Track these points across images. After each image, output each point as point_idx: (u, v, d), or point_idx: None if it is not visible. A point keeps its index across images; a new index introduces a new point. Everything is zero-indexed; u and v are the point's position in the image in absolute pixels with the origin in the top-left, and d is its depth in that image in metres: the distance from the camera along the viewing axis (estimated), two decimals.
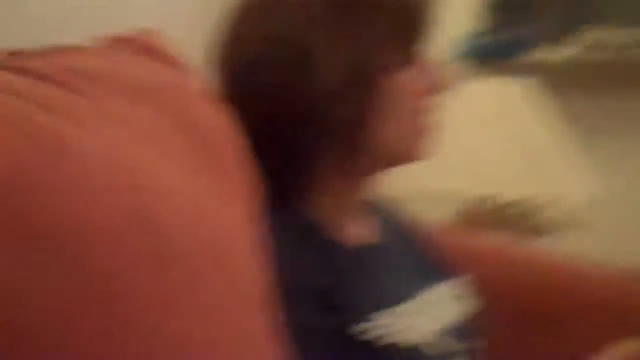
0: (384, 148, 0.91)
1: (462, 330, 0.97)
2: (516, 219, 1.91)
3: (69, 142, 0.51)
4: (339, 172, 0.91)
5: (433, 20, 0.93)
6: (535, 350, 1.19)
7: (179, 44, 0.82)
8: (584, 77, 2.92)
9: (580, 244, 1.70)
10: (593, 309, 1.19)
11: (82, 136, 0.53)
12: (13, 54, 0.65)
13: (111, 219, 0.49)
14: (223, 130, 0.71)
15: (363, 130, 0.89)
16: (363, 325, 0.84)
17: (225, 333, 0.56)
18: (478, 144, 1.75)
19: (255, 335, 0.60)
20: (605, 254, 1.32)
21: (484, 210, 1.82)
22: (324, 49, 0.86)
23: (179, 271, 0.54)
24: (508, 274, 1.22)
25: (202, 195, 0.60)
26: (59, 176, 0.47)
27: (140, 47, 0.78)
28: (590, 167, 1.83)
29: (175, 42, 0.82)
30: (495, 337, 1.05)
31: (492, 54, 2.85)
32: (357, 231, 0.95)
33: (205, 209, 0.59)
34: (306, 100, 0.86)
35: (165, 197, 0.55)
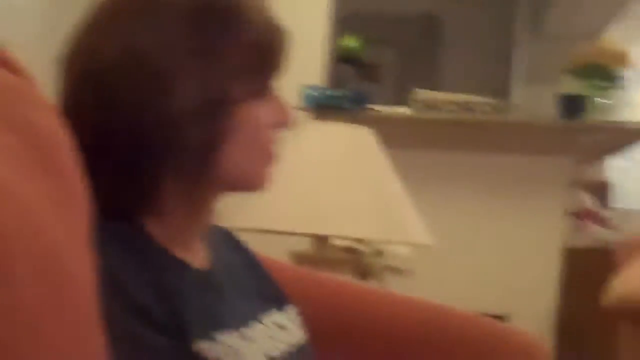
0: (228, 174, 0.92)
1: (299, 357, 1.00)
2: (347, 260, 1.95)
3: None
4: (182, 194, 0.91)
5: (285, 59, 0.96)
6: None
7: (22, 57, 0.81)
8: (415, 134, 3.07)
9: (406, 290, 1.76)
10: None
11: None
12: None
13: None
14: (60, 136, 0.70)
15: (211, 156, 0.90)
16: (205, 344, 0.84)
17: (41, 349, 0.55)
18: (315, 185, 1.79)
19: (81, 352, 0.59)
20: (431, 298, 1.38)
21: (317, 250, 1.86)
22: (179, 74, 0.87)
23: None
24: (337, 307, 1.26)
25: (35, 195, 0.59)
26: None
27: None
28: (418, 217, 1.90)
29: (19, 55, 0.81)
30: None
31: (334, 105, 2.95)
32: (193, 254, 0.96)
33: (37, 210, 0.58)
34: (155, 119, 0.86)
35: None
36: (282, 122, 0.96)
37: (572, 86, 3.04)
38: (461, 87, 3.24)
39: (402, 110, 3.06)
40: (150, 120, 0.87)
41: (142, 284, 0.83)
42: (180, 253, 0.92)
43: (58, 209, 0.63)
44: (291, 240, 1.84)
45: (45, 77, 0.88)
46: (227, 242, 1.09)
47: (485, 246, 2.96)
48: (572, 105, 2.86)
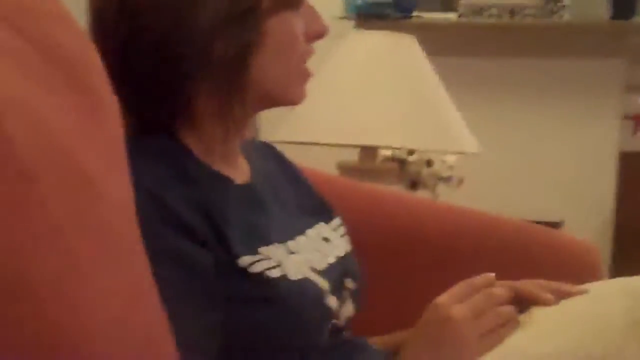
0: (261, 86, 0.90)
1: (345, 268, 0.99)
2: (395, 171, 1.93)
3: None
4: (218, 108, 0.89)
5: None
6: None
7: None
8: (462, 41, 2.99)
9: (456, 198, 1.74)
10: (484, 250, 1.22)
11: None
12: None
13: None
14: (84, 51, 0.68)
15: (243, 69, 0.87)
16: (252, 258, 0.84)
17: (68, 260, 0.54)
18: (361, 96, 1.76)
19: (113, 265, 0.58)
20: (481, 208, 1.36)
21: (365, 161, 1.84)
22: None
23: (19, 185, 0.51)
24: (384, 216, 1.24)
25: (56, 109, 0.57)
26: None
27: None
28: (466, 125, 1.86)
29: None
30: (371, 278, 1.07)
31: (378, 12, 2.88)
32: (234, 169, 0.94)
33: (59, 124, 0.57)
34: (185, 32, 0.85)
35: (8, 101, 0.52)
36: (316, 33, 0.94)
37: None
38: None
39: (448, 16, 2.98)
40: (179, 32, 0.85)
41: (183, 198, 0.82)
42: (220, 167, 0.91)
43: (83, 124, 0.61)
44: (339, 152, 1.82)
45: None
46: (269, 156, 1.07)
47: (537, 153, 2.91)
48: (624, 5, 2.75)
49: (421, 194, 2.11)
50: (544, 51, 2.92)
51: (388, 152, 2.04)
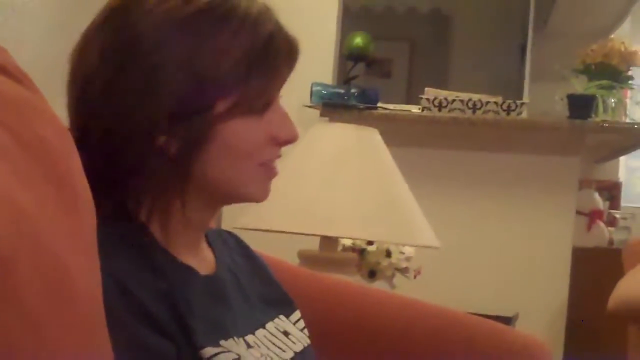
0: (214, 186, 0.91)
1: None
2: (354, 261, 1.96)
3: None
4: (165, 203, 0.90)
5: (285, 75, 0.92)
6: None
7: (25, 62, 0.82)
8: (424, 133, 3.07)
9: (412, 290, 1.77)
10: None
11: None
12: None
13: None
14: (63, 146, 0.70)
15: (184, 167, 0.88)
16: (214, 350, 0.85)
17: (43, 351, 0.55)
18: (323, 186, 1.79)
19: (85, 356, 0.60)
20: (437, 299, 1.39)
21: (325, 250, 1.87)
22: (160, 78, 0.85)
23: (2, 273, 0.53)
24: (343, 307, 1.26)
25: (35, 203, 0.60)
26: None
27: None
28: (425, 218, 1.90)
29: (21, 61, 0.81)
30: None
31: (343, 103, 2.95)
32: (198, 259, 0.96)
33: (37, 217, 0.59)
34: (130, 125, 0.86)
35: None
36: (285, 140, 0.94)
37: (581, 85, 3.04)
38: (471, 85, 3.24)
39: (412, 109, 3.06)
40: (124, 124, 0.86)
41: (147, 289, 0.83)
42: (185, 257, 0.92)
43: (59, 215, 0.64)
44: (299, 240, 1.84)
45: (51, 77, 0.89)
46: (233, 246, 1.09)
47: (494, 246, 2.96)
48: (582, 105, 2.85)
49: (379, 284, 2.13)
50: (503, 146, 3.01)
51: (348, 242, 2.07)
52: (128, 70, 0.86)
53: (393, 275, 2.15)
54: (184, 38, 0.86)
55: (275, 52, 0.90)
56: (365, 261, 2.08)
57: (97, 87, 0.87)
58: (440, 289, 2.26)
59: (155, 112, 0.85)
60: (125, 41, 0.86)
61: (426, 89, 3.04)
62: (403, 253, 2.14)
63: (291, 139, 0.94)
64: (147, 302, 0.82)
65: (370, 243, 2.11)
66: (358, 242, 2.08)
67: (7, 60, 0.78)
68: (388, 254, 2.13)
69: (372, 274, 2.12)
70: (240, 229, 1.56)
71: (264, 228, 1.78)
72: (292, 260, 1.78)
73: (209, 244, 1.01)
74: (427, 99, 2.96)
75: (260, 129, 0.91)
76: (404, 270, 2.16)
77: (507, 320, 2.38)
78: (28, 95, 0.73)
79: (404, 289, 2.04)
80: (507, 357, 1.28)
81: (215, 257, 1.00)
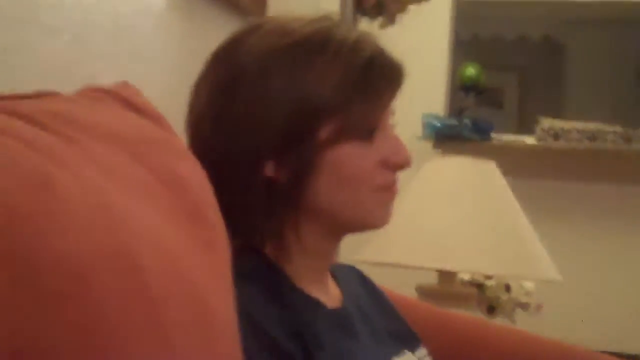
0: (328, 215, 0.91)
1: None
2: (473, 295, 1.92)
3: (55, 182, 0.52)
4: (290, 231, 0.91)
5: (391, 98, 0.92)
6: None
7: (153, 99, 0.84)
8: (540, 164, 3.00)
9: (533, 326, 1.72)
10: None
11: (66, 177, 0.54)
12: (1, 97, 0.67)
13: (92, 258, 0.50)
14: (200, 183, 0.72)
15: (295, 196, 0.89)
16: None
17: None
18: (441, 220, 1.77)
19: None
20: (559, 336, 1.34)
21: (443, 285, 1.84)
22: (272, 102, 0.87)
23: (149, 311, 0.54)
24: (471, 344, 1.24)
25: (180, 241, 0.61)
26: (49, 218, 0.49)
27: (120, 99, 0.79)
28: (546, 252, 1.85)
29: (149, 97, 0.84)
30: None
31: (456, 134, 2.92)
32: (325, 293, 0.96)
33: (183, 255, 0.60)
34: (239, 151, 0.88)
35: (144, 239, 0.56)
36: (397, 165, 0.92)
37: None
38: (586, 114, 3.15)
39: (526, 139, 3.00)
40: (234, 156, 0.88)
41: (277, 323, 0.84)
42: (312, 290, 0.93)
43: (201, 251, 0.65)
44: (417, 274, 1.82)
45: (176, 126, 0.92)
46: (356, 280, 1.09)
47: (617, 281, 2.85)
48: None
49: (499, 320, 2.08)
50: (625, 177, 2.90)
51: (466, 276, 2.03)
52: (233, 103, 0.89)
53: (513, 311, 2.09)
54: (282, 68, 0.88)
55: (376, 75, 0.90)
56: (485, 296, 2.04)
57: (207, 123, 0.90)
58: (562, 325, 2.19)
59: (261, 140, 0.87)
60: (231, 76, 0.90)
61: (542, 118, 2.97)
62: (523, 288, 2.09)
63: (403, 162, 0.92)
64: (279, 340, 0.82)
65: (488, 277, 2.07)
66: (476, 277, 2.04)
67: (144, 102, 0.81)
68: (507, 288, 2.08)
69: (491, 310, 2.07)
70: (357, 262, 1.55)
71: (382, 261, 1.77)
72: (410, 295, 1.76)
73: (334, 278, 1.01)
74: (543, 129, 2.90)
75: (369, 155, 0.90)
76: (524, 306, 2.10)
77: (633, 358, 2.27)
78: (167, 136, 0.75)
79: (525, 324, 1.99)
80: None
81: (342, 290, 1.00)
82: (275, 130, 0.87)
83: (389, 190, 0.93)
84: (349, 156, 0.89)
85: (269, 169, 0.87)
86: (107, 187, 0.57)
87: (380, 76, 0.91)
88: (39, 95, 0.70)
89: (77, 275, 0.49)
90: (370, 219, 0.93)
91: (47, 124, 0.62)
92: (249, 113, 0.88)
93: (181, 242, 0.61)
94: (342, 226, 0.94)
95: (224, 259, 0.69)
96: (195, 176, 0.72)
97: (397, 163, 0.92)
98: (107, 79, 0.86)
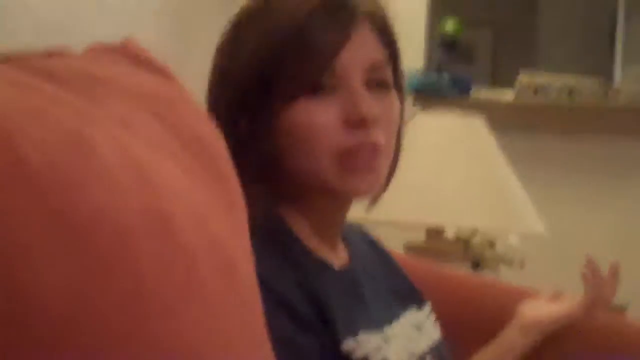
0: (302, 180, 0.89)
1: (439, 355, 0.99)
2: (460, 252, 1.94)
3: (88, 138, 0.50)
4: (292, 195, 0.91)
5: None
6: None
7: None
8: (519, 118, 3.00)
9: (518, 280, 1.73)
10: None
11: (96, 134, 0.53)
12: (14, 54, 0.64)
13: (131, 216, 0.49)
14: (216, 141, 0.71)
15: (265, 153, 0.88)
16: (354, 343, 0.85)
17: (226, 341, 0.56)
18: (428, 175, 1.77)
19: (256, 346, 0.60)
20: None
21: (431, 242, 1.85)
22: (232, 67, 0.90)
23: (185, 273, 0.53)
24: (471, 301, 1.25)
25: (206, 201, 0.60)
26: (87, 173, 0.47)
27: (130, 56, 0.77)
28: (530, 205, 1.87)
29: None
30: None
31: (436, 91, 2.92)
32: (333, 253, 0.95)
33: (210, 214, 0.59)
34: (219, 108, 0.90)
35: (175, 198, 0.55)
36: (352, 121, 0.85)
37: None
38: (559, 69, 3.15)
39: (503, 94, 3.01)
40: (214, 109, 0.91)
41: (288, 283, 0.84)
42: (321, 252, 0.92)
43: (224, 212, 0.64)
44: (405, 233, 1.83)
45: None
46: (363, 240, 1.09)
47: (597, 233, 2.89)
48: None
49: (484, 275, 2.10)
50: (602, 130, 2.93)
51: (452, 234, 2.04)
52: (222, 60, 0.93)
53: (497, 266, 2.11)
54: (249, 28, 0.90)
55: (315, 26, 0.86)
56: (470, 252, 2.06)
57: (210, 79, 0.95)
58: (546, 279, 2.21)
59: (228, 98, 0.89)
60: (226, 39, 0.94)
61: (520, 74, 2.97)
62: (507, 244, 2.11)
63: (358, 118, 0.85)
64: (288, 295, 0.82)
65: (474, 234, 2.08)
66: (462, 234, 2.05)
67: (153, 58, 0.78)
68: (492, 245, 2.09)
69: (476, 265, 2.09)
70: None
71: (370, 218, 1.77)
72: (399, 252, 1.76)
73: (342, 239, 1.00)
74: (522, 84, 2.90)
75: (324, 113, 0.86)
76: (508, 261, 2.12)
77: (618, 309, 2.31)
78: (181, 93, 0.73)
79: (509, 280, 2.01)
80: (624, 348, 1.24)
81: (349, 250, 0.99)
82: (240, 87, 0.88)
83: (353, 155, 0.86)
84: (302, 115, 0.86)
85: (243, 125, 0.87)
86: (135, 147, 0.55)
87: (321, 27, 0.86)
88: (49, 54, 0.67)
89: (119, 238, 0.47)
90: (334, 187, 0.88)
91: (65, 81, 0.60)
92: (222, 73, 0.91)
93: (208, 202, 0.60)
94: (318, 191, 0.90)
95: (244, 220, 0.68)
96: (212, 135, 0.70)
97: (350, 119, 0.86)
98: (107, 36, 0.83)
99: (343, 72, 0.87)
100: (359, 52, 0.87)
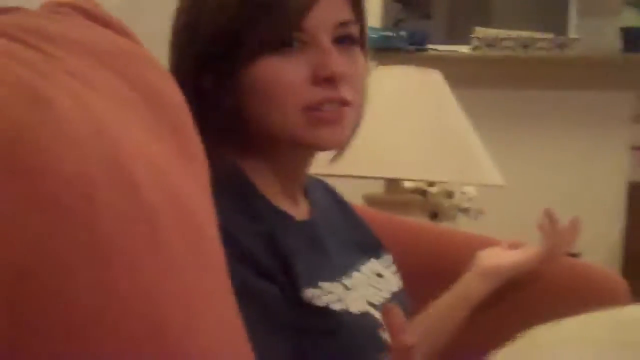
0: (266, 134, 0.90)
1: (400, 304, 1.01)
2: (418, 202, 1.96)
3: (46, 93, 0.51)
4: (252, 147, 0.92)
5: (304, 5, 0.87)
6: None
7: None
8: (476, 73, 3.03)
9: (476, 230, 1.77)
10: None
11: (56, 91, 0.53)
12: None
13: (92, 169, 0.49)
14: (175, 95, 0.71)
15: (238, 112, 0.89)
16: (316, 292, 0.87)
17: (187, 293, 0.57)
18: (385, 130, 1.79)
19: (217, 297, 0.61)
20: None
21: (389, 193, 1.87)
22: (201, 22, 0.89)
23: (145, 225, 0.54)
24: (431, 250, 1.27)
25: (166, 154, 0.61)
26: (53, 134, 0.48)
27: (84, 12, 0.77)
28: (487, 157, 1.89)
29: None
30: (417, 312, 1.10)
31: (392, 46, 2.93)
32: (294, 206, 0.97)
33: (170, 167, 0.60)
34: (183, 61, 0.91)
35: (136, 152, 0.55)
36: (321, 76, 0.87)
37: (634, 18, 2.98)
38: (515, 22, 3.18)
39: (459, 49, 3.03)
40: (178, 61, 0.92)
41: (251, 235, 0.85)
42: (281, 203, 0.94)
43: (184, 164, 0.65)
44: (364, 184, 1.85)
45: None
46: (324, 193, 1.10)
47: (549, 183, 2.94)
48: (635, 38, 2.80)
49: (442, 225, 2.14)
50: (556, 83, 2.97)
51: (410, 184, 2.07)
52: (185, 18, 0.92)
53: (455, 216, 2.15)
54: None
55: None
56: (428, 202, 2.09)
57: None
58: (501, 228, 2.26)
59: (199, 49, 0.89)
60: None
61: (476, 28, 3.00)
62: (464, 193, 2.14)
63: (326, 75, 0.87)
64: (250, 246, 0.83)
65: (431, 185, 2.11)
66: (420, 185, 2.08)
67: (106, 13, 0.78)
68: (450, 195, 2.13)
69: (434, 215, 2.12)
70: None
71: (328, 173, 1.78)
72: (358, 203, 1.78)
73: (304, 191, 1.02)
74: (477, 38, 2.92)
75: (292, 69, 0.87)
76: (465, 211, 2.16)
77: (575, 257, 2.37)
78: (137, 48, 0.73)
79: (466, 229, 2.05)
80: (588, 292, 1.28)
81: (310, 202, 1.01)
82: (205, 44, 0.88)
83: (318, 110, 0.88)
84: (269, 72, 0.87)
85: (208, 81, 0.88)
86: (96, 103, 0.56)
87: None
88: (4, 11, 0.67)
89: (85, 194, 0.48)
90: (302, 140, 0.89)
91: (23, 39, 0.60)
92: (190, 25, 0.90)
93: (168, 156, 0.61)
94: (284, 145, 0.91)
95: (204, 171, 0.69)
96: (170, 88, 0.71)
97: (319, 76, 0.87)
98: None
99: (312, 31, 0.88)
100: (328, 10, 0.89)
